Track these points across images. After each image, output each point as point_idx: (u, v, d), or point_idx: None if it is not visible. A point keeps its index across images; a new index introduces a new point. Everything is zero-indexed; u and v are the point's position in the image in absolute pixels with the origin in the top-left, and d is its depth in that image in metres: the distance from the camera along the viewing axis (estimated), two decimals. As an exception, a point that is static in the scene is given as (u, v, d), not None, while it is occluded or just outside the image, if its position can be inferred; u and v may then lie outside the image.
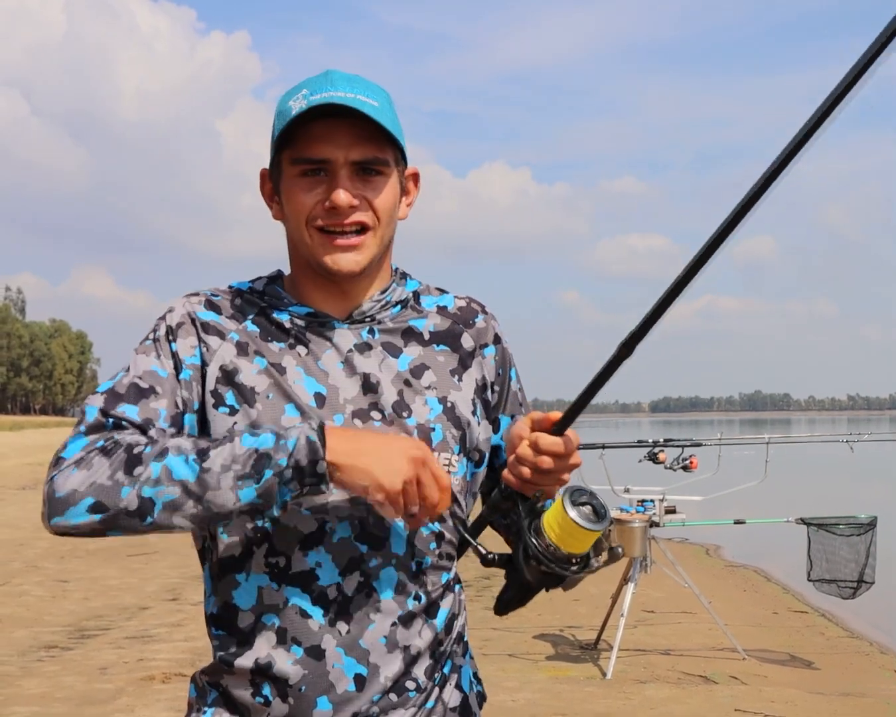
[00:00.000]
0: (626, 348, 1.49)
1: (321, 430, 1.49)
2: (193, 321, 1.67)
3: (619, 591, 7.71)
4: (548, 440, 1.56)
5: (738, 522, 8.43)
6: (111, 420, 1.54)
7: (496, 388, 1.79)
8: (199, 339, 1.66)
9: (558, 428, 1.57)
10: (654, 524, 7.61)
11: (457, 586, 1.74)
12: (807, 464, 28.68)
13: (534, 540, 1.54)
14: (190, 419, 1.62)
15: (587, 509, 1.53)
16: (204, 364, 1.64)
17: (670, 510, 7.78)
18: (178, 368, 1.63)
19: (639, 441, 8.37)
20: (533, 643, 8.19)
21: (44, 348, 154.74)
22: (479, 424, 1.74)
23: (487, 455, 1.77)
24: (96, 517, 1.45)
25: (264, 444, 1.48)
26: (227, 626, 1.64)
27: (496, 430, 1.78)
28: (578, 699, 6.50)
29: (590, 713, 6.23)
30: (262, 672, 1.60)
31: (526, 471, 1.57)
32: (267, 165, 1.72)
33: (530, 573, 1.56)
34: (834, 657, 8.39)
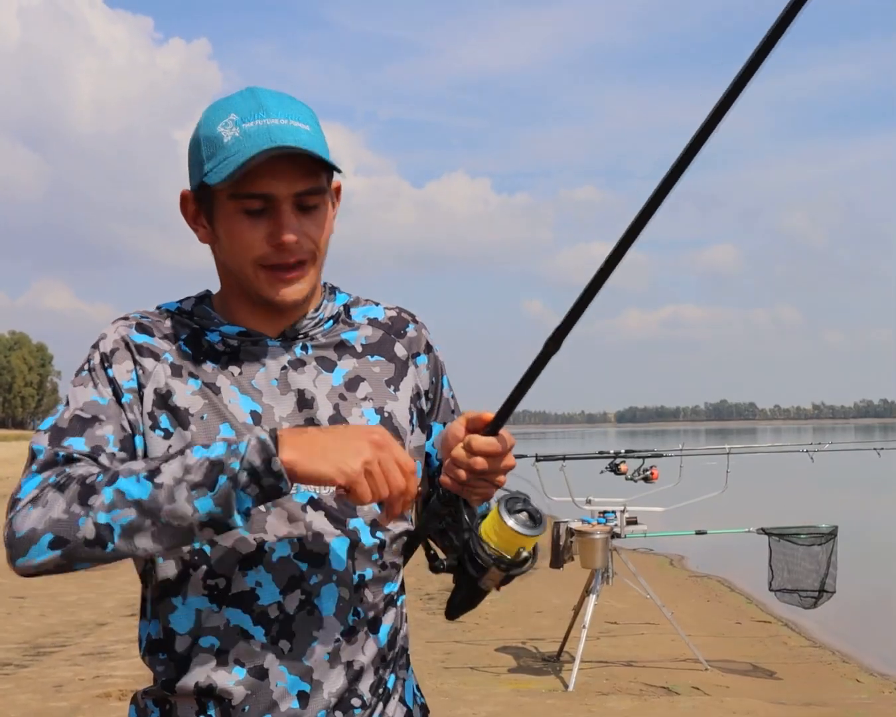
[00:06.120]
0: (554, 344, 1.52)
1: (274, 431, 1.46)
2: (127, 345, 1.63)
3: (581, 602, 7.69)
4: (480, 441, 1.55)
5: (699, 532, 8.44)
6: (61, 454, 1.52)
7: (430, 396, 1.80)
8: (135, 361, 1.63)
9: (491, 428, 1.57)
10: (615, 535, 7.60)
11: (400, 598, 1.74)
12: (768, 474, 28.86)
13: (482, 547, 1.57)
14: (140, 441, 1.59)
15: (523, 515, 1.57)
16: (141, 386, 1.62)
17: (632, 521, 7.78)
18: (117, 393, 1.60)
19: (600, 452, 8.38)
20: (495, 655, 8.16)
21: (3, 361, 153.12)
22: (412, 432, 1.75)
23: (421, 463, 1.76)
24: (58, 552, 1.43)
25: (216, 452, 1.43)
26: (166, 650, 1.62)
27: (428, 437, 1.80)
28: (540, 712, 6.47)
29: (551, 726, 6.19)
30: (206, 693, 1.58)
31: (461, 473, 1.57)
32: (187, 186, 1.67)
33: (483, 581, 1.59)
34: (796, 666, 8.42)
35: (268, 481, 1.43)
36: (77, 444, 1.54)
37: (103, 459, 1.54)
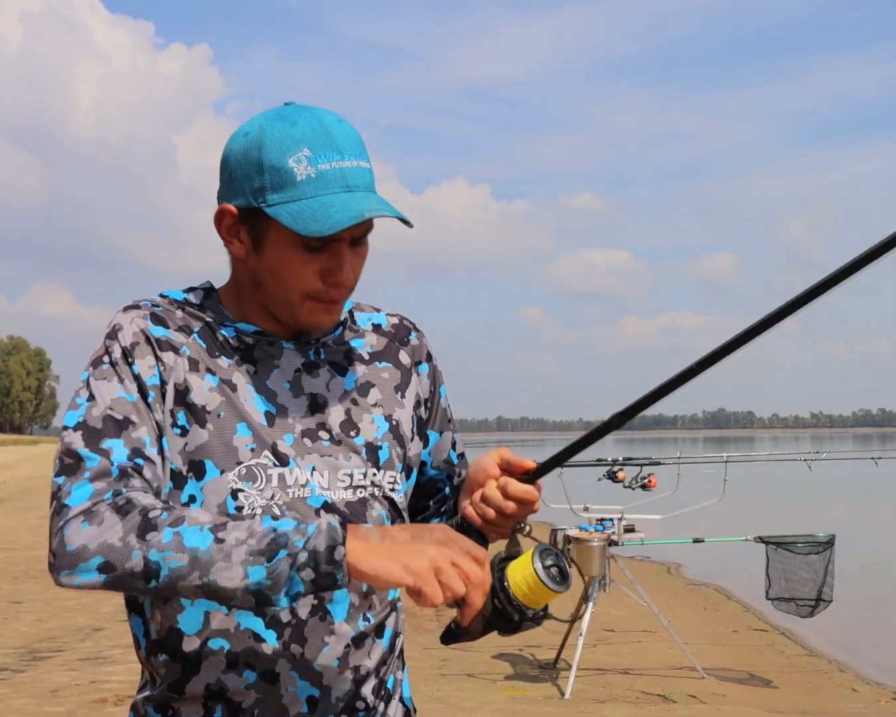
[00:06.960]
0: (620, 419, 1.56)
1: (343, 522, 1.44)
2: (148, 339, 1.59)
3: (578, 610, 7.69)
4: (518, 488, 1.61)
5: (696, 540, 8.44)
6: (115, 467, 1.48)
7: (428, 405, 1.82)
8: (156, 357, 1.59)
9: (530, 477, 1.62)
10: (612, 543, 7.60)
11: (399, 603, 1.76)
12: (766, 482, 28.89)
13: (503, 593, 1.56)
14: (164, 443, 1.57)
15: (555, 570, 1.57)
16: (164, 383, 1.58)
17: (629, 529, 7.79)
18: (142, 391, 1.56)
19: (598, 460, 8.39)
20: (492, 662, 8.15)
21: (1, 365, 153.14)
22: (412, 439, 1.77)
23: (415, 470, 1.80)
24: (103, 577, 1.41)
25: (283, 526, 1.41)
26: (171, 651, 1.61)
27: (425, 445, 1.82)
28: (537, 720, 6.46)
29: (548, 733, 6.19)
30: (216, 696, 1.58)
31: (491, 512, 1.62)
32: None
33: (495, 622, 1.59)
34: (793, 675, 8.42)
35: (325, 569, 1.39)
36: (117, 446, 1.50)
37: (147, 471, 1.51)
